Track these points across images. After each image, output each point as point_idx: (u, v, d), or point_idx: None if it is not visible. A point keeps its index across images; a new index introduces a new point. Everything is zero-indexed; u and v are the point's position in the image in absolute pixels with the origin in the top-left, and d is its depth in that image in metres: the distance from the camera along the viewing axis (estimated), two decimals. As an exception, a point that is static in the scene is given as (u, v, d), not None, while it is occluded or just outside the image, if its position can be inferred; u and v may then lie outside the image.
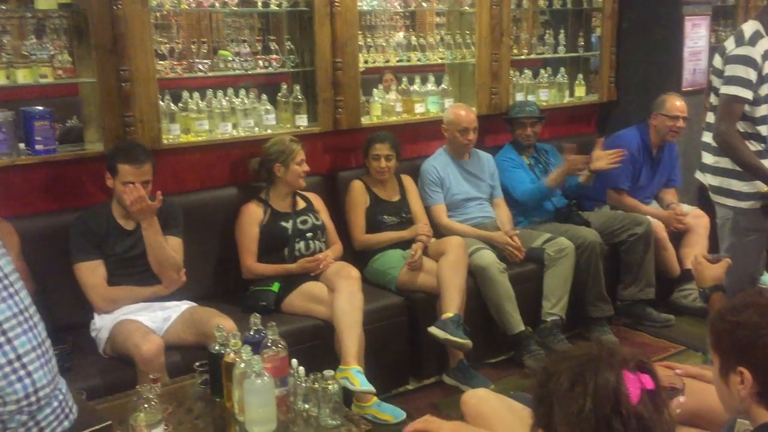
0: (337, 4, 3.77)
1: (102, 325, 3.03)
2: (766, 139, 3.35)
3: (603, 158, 4.15)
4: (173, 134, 3.51)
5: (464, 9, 4.38)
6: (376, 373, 3.30)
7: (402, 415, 3.31)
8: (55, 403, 1.21)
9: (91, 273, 3.05)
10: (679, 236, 4.50)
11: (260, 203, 3.56)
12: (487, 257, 3.77)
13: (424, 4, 4.36)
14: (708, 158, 3.50)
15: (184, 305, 3.18)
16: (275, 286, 3.42)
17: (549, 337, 3.82)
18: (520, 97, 4.63)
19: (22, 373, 1.16)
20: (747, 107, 3.31)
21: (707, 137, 3.50)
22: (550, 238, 3.99)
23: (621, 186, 4.49)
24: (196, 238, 3.42)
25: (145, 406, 2.01)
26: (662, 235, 4.39)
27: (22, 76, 3.12)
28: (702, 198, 4.95)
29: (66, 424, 1.23)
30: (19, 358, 1.16)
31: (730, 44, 3.36)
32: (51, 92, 3.95)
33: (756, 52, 3.26)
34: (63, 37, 4.00)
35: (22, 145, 3.20)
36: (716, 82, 3.43)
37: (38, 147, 3.15)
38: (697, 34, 4.76)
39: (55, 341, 2.91)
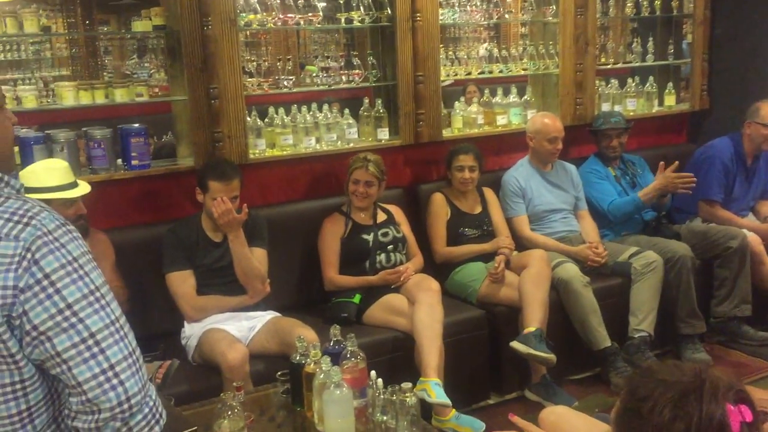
0: (418, 18, 3.80)
1: (191, 333, 3.15)
2: None
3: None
4: (259, 149, 3.61)
5: (548, 19, 4.33)
6: (457, 387, 3.29)
7: (482, 426, 3.27)
8: (146, 409, 1.26)
9: (182, 283, 3.17)
10: (779, 251, 4.29)
11: (342, 216, 3.62)
12: (571, 270, 3.69)
13: (506, 16, 4.33)
14: None
15: (269, 315, 3.26)
16: (356, 298, 3.46)
17: (636, 354, 3.70)
18: (606, 107, 4.53)
19: (114, 381, 1.22)
20: None
21: None
22: (638, 252, 3.88)
23: (714, 197, 4.31)
24: (281, 249, 3.50)
25: (229, 413, 2.07)
26: (759, 249, 4.18)
27: (120, 95, 3.29)
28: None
29: (156, 429, 1.28)
30: (111, 367, 1.22)
31: None
32: (147, 110, 4.16)
33: None
34: (159, 57, 4.20)
35: (119, 161, 3.37)
36: None
37: (134, 162, 3.32)
38: (797, 40, 4.53)
39: (147, 348, 3.10)
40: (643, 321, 3.75)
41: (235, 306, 3.22)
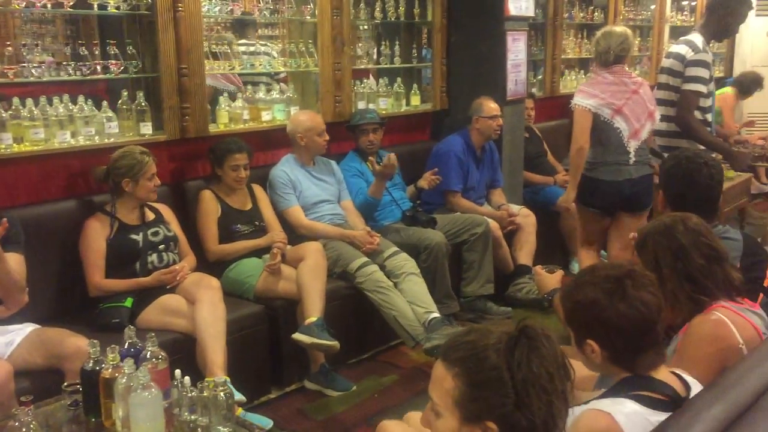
0: (180, 9, 3.66)
1: (-68, 356, 2.70)
2: (711, 124, 4.17)
3: (425, 179, 4.60)
4: (5, 143, 3.21)
5: (305, 18, 4.43)
6: (240, 384, 3.22)
7: (269, 423, 3.28)
8: None
9: None
10: (510, 234, 4.85)
11: (106, 216, 3.36)
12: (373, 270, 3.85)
13: (265, 13, 4.33)
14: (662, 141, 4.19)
15: (28, 328, 2.92)
16: (128, 302, 3.24)
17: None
18: (361, 105, 4.76)
19: None
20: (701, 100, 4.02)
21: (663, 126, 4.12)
22: (395, 253, 4.05)
23: (454, 188, 4.76)
24: (35, 254, 3.12)
25: (24, 430, 1.83)
26: (498, 234, 4.70)
27: None
28: (526, 198, 5.39)
29: None
30: None
31: (684, 51, 4.04)
32: None
33: (709, 57, 4.06)
34: None
35: None
36: (671, 81, 4.10)
37: None
38: (517, 47, 5.15)
39: None
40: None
41: (-14, 320, 2.83)
